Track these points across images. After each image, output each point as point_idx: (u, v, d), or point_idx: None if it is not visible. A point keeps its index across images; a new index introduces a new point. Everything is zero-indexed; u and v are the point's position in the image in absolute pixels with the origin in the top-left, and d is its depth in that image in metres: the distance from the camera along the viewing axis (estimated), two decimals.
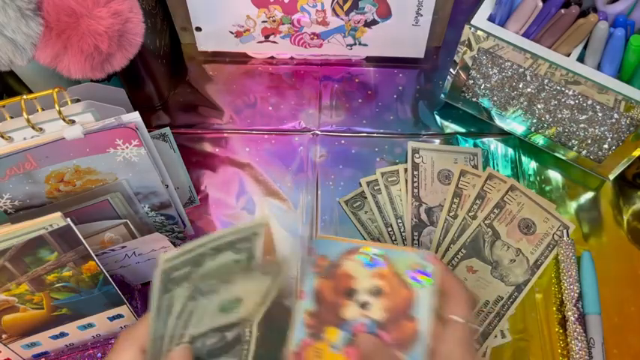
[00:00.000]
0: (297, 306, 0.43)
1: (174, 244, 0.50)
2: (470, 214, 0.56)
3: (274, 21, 0.62)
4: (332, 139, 0.62)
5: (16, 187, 0.44)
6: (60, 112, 0.41)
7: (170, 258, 0.36)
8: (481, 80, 0.58)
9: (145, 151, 0.45)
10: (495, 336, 0.52)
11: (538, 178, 0.60)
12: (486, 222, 0.56)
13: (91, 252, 0.42)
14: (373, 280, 0.44)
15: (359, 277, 0.44)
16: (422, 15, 0.60)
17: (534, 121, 0.58)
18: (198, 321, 0.41)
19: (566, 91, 0.52)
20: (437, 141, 0.62)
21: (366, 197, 0.58)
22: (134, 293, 0.52)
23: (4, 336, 0.46)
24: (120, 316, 0.48)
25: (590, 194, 0.59)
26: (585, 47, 0.51)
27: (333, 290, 0.44)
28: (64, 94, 0.43)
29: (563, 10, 0.49)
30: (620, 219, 0.58)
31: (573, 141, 0.58)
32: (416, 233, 0.56)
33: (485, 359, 0.52)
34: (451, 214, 0.56)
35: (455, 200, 0.57)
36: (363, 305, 0.43)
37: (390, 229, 0.56)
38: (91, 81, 0.47)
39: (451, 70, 0.59)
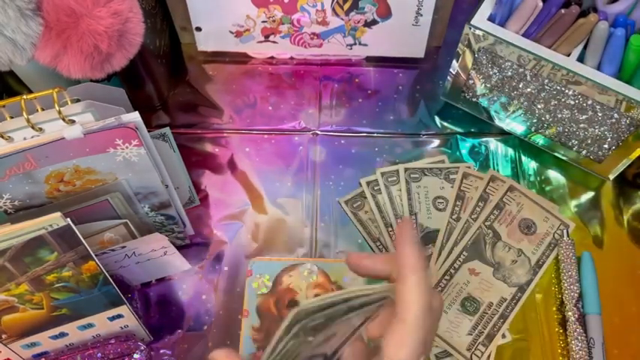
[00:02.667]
0: (243, 323, 0.49)
1: (175, 244, 0.50)
2: (473, 216, 0.56)
3: (274, 21, 0.62)
4: (332, 139, 0.62)
5: (16, 187, 0.44)
6: (60, 112, 0.41)
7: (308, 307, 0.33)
8: (481, 80, 0.58)
9: (145, 151, 0.45)
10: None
11: (538, 178, 0.60)
12: (487, 223, 0.56)
13: (90, 252, 0.42)
14: (313, 291, 0.52)
15: (300, 290, 0.52)
16: (422, 15, 0.60)
17: (534, 121, 0.58)
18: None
19: (567, 91, 0.52)
20: (437, 141, 0.62)
21: (366, 197, 0.58)
22: (134, 293, 0.52)
23: (3, 336, 0.45)
24: (120, 316, 0.48)
25: (590, 194, 0.59)
26: (585, 47, 0.51)
27: (277, 304, 0.52)
28: (63, 94, 0.43)
29: (563, 10, 0.49)
30: (620, 219, 0.58)
31: (573, 141, 0.58)
32: None
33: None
34: (454, 217, 0.56)
35: (457, 203, 0.57)
36: None
37: (390, 229, 0.56)
38: (91, 81, 0.47)
39: (451, 70, 0.59)
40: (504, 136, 0.62)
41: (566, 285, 0.52)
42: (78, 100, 0.44)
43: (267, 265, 0.53)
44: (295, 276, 0.53)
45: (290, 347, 0.35)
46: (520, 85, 0.55)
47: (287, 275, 0.53)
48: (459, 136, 0.62)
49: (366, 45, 0.65)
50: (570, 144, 0.58)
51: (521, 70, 0.53)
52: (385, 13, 0.61)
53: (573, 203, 0.59)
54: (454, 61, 0.58)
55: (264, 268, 0.53)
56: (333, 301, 0.34)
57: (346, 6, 0.60)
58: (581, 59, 0.51)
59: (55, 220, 0.39)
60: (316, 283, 0.53)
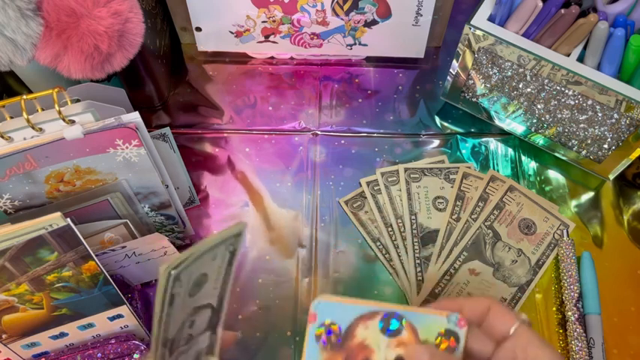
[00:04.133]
0: None
1: (175, 244, 0.50)
2: (473, 216, 0.56)
3: (274, 21, 0.62)
4: (332, 139, 0.62)
5: (16, 187, 0.44)
6: (60, 112, 0.41)
7: (174, 266, 0.33)
8: (481, 80, 0.58)
9: (145, 151, 0.45)
10: None
11: (538, 178, 0.60)
12: (486, 223, 0.56)
13: (90, 252, 0.42)
14: (395, 350, 0.38)
15: (377, 348, 0.38)
16: (422, 15, 0.60)
17: (534, 121, 0.58)
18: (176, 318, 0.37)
19: (566, 91, 0.52)
20: (437, 141, 0.62)
21: (366, 197, 0.58)
22: (134, 293, 0.52)
23: (4, 336, 0.46)
24: (120, 316, 0.48)
25: (590, 194, 0.59)
26: (585, 47, 0.51)
27: None
28: (63, 94, 0.43)
29: (563, 10, 0.49)
30: (620, 219, 0.58)
31: (573, 141, 0.58)
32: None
33: None
34: (454, 217, 0.56)
35: (457, 203, 0.57)
36: None
37: (390, 229, 0.56)
38: (91, 81, 0.47)
39: (451, 70, 0.59)
40: (504, 136, 0.62)
41: (566, 285, 0.52)
42: (78, 100, 0.44)
43: (336, 308, 0.39)
44: (373, 328, 0.38)
45: (174, 311, 0.34)
46: (520, 85, 0.55)
47: (362, 326, 0.38)
48: (459, 136, 0.62)
49: (366, 45, 0.65)
50: (570, 144, 0.58)
51: (521, 70, 0.53)
52: (385, 14, 0.61)
53: (573, 203, 0.59)
54: (454, 61, 0.58)
55: (333, 313, 0.38)
56: (201, 252, 0.33)
57: (346, 6, 0.60)
58: (581, 59, 0.51)
59: (55, 220, 0.39)
60: (400, 341, 0.38)
